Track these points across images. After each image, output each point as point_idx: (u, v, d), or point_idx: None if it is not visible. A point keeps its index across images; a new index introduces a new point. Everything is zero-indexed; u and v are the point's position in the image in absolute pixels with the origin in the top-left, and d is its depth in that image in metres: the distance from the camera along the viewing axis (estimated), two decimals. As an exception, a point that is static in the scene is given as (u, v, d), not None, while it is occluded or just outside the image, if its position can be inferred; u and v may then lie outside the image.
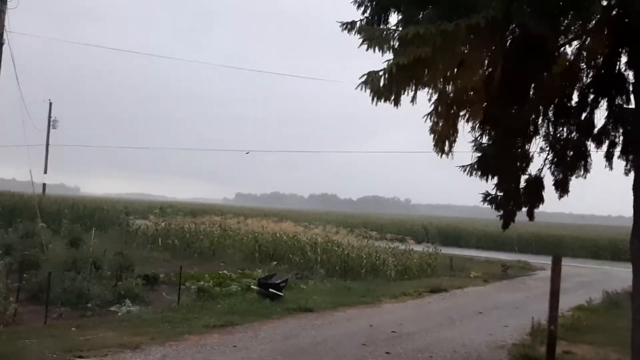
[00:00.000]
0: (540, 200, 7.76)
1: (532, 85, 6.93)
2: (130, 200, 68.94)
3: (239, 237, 22.38)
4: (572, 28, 6.38)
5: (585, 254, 35.93)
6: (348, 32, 6.37)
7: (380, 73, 5.50)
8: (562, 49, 6.89)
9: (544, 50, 6.26)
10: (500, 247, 37.31)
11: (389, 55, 5.59)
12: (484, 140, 7.63)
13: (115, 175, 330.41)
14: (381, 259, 18.97)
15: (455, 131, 6.82)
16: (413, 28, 5.38)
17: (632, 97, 6.82)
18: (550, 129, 7.58)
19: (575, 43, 6.91)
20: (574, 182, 7.59)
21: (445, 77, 6.35)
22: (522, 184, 7.71)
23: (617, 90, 7.01)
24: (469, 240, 42.57)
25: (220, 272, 16.16)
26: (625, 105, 7.04)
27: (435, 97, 6.68)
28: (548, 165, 7.64)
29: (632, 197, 6.64)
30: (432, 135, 6.82)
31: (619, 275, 20.12)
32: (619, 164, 7.20)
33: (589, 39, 6.70)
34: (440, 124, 6.73)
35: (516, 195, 7.72)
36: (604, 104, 7.17)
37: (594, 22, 6.20)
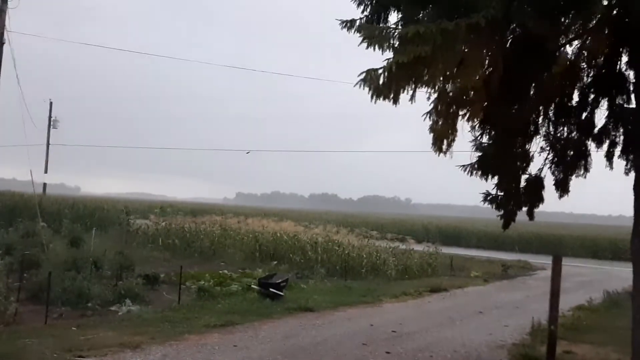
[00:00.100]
0: (541, 199, 7.76)
1: (533, 84, 6.93)
2: (131, 200, 68.91)
3: (239, 237, 22.38)
4: (573, 28, 6.37)
5: (586, 253, 35.86)
6: (348, 30, 6.34)
7: (380, 71, 5.47)
8: (562, 48, 6.88)
9: (544, 50, 6.25)
10: (501, 246, 37.32)
11: (389, 54, 5.57)
12: (484, 139, 7.62)
13: (116, 175, 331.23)
14: (382, 259, 18.98)
15: (455, 130, 6.81)
16: (413, 27, 5.37)
17: (632, 96, 6.82)
18: (551, 128, 7.57)
19: (575, 43, 6.90)
20: (574, 182, 7.58)
21: (445, 76, 6.33)
22: (523, 183, 7.70)
23: (618, 89, 7.00)
24: (469, 239, 42.52)
25: (221, 271, 16.18)
26: (625, 105, 7.03)
27: (434, 96, 6.66)
28: (548, 165, 7.63)
29: (632, 197, 6.63)
30: (432, 135, 6.82)
31: (620, 275, 20.14)
32: (620, 163, 7.19)
33: (589, 38, 6.68)
34: (440, 123, 6.72)
35: (516, 195, 7.71)
36: (604, 103, 7.16)
37: (594, 21, 6.19)
